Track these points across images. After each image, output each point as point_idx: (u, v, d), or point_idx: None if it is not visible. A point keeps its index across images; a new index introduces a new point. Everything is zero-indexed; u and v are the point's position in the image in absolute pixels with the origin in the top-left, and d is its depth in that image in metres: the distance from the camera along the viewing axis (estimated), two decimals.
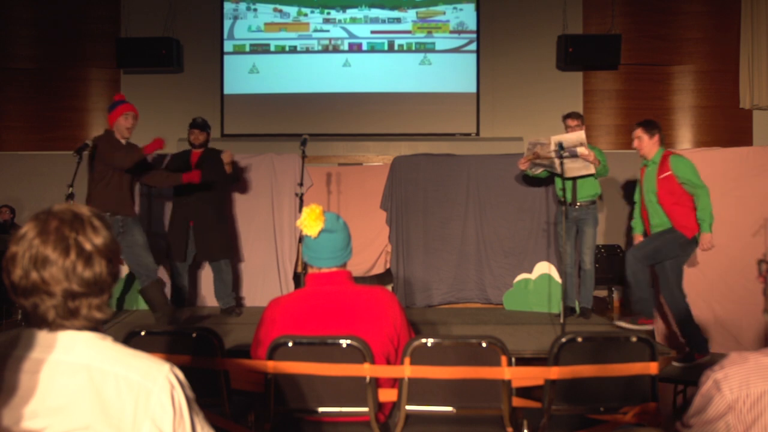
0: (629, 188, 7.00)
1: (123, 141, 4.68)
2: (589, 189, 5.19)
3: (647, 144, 4.52)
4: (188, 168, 5.19)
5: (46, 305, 1.18)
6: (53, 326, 1.20)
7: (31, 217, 1.23)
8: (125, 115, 4.64)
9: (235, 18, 7.69)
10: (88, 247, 1.19)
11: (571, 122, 5.27)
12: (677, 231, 4.38)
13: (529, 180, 5.60)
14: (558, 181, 5.22)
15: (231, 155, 5.14)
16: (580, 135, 5.01)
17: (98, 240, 1.21)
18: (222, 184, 5.35)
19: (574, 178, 5.12)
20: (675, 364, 4.37)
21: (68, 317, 1.19)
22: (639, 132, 4.55)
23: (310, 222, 2.32)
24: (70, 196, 4.35)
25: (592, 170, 5.05)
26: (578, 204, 5.18)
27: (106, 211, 4.46)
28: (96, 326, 1.24)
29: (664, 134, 4.61)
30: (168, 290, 5.67)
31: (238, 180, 5.59)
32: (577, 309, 5.30)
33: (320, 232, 2.33)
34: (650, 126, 4.55)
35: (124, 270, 5.72)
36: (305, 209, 2.35)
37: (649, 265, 4.48)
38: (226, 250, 5.31)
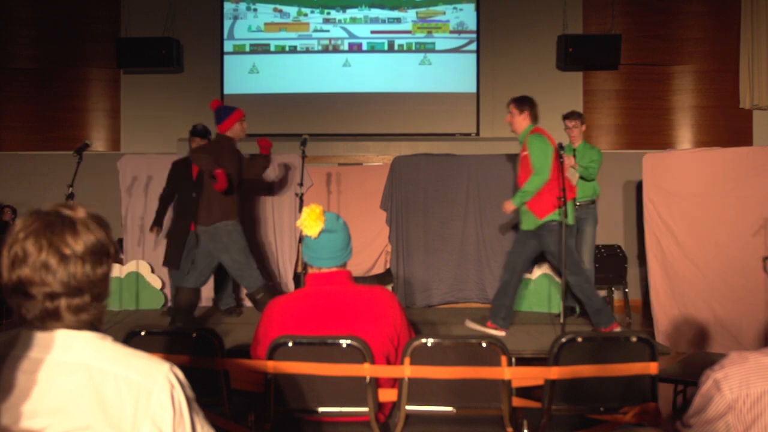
0: (629, 188, 7.00)
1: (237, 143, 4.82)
2: (588, 189, 5.20)
3: (517, 120, 4.51)
4: (190, 175, 5.20)
5: (27, 305, 1.18)
6: (35, 326, 1.20)
7: (20, 217, 1.23)
8: (241, 121, 4.80)
9: (235, 18, 7.69)
10: (63, 247, 1.18)
11: (569, 123, 5.28)
12: (539, 223, 4.36)
13: None
14: None
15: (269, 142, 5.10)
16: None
17: (78, 240, 1.20)
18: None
19: None
20: None
21: (48, 317, 1.19)
22: (510, 107, 4.54)
23: (310, 222, 2.32)
24: (70, 196, 4.35)
25: (576, 176, 5.04)
26: (578, 204, 5.18)
27: (230, 219, 4.56)
28: (94, 326, 1.24)
29: (537, 112, 4.55)
30: (167, 291, 5.69)
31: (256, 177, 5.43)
32: (577, 309, 5.30)
33: (320, 232, 2.33)
34: (520, 102, 4.52)
35: (125, 270, 5.74)
36: (305, 209, 2.35)
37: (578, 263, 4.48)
38: None
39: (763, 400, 1.33)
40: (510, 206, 4.43)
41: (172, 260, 5.23)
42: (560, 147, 4.68)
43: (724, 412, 1.36)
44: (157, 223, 5.33)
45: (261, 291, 4.61)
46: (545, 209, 4.34)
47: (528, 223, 4.46)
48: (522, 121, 4.48)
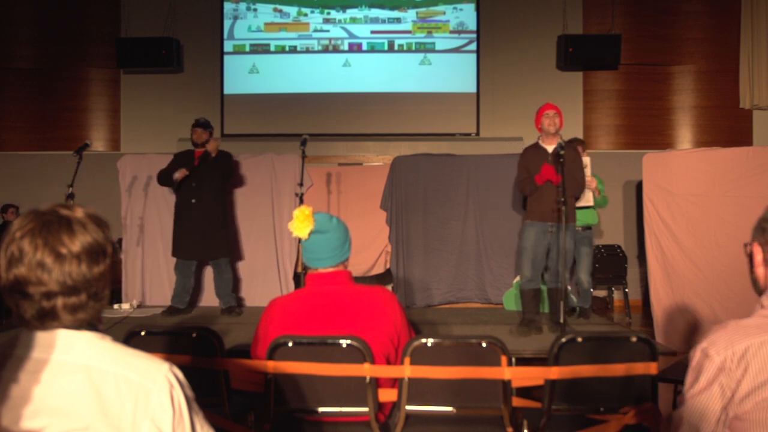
0: (629, 188, 7.01)
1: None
2: (586, 217, 5.13)
3: None
4: (192, 163, 5.19)
5: (24, 304, 1.18)
6: (33, 325, 1.20)
7: (19, 216, 1.23)
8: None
9: (235, 18, 7.69)
10: (59, 246, 1.18)
11: None
12: None
13: None
14: None
15: (217, 144, 5.19)
16: (585, 160, 4.95)
17: (74, 240, 1.20)
18: (224, 184, 5.34)
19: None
20: None
21: (45, 317, 1.19)
22: None
23: (298, 224, 2.32)
24: (70, 196, 4.35)
25: (591, 202, 4.99)
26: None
27: None
28: (93, 326, 1.24)
29: None
30: (167, 290, 5.68)
31: (232, 176, 5.53)
32: (577, 309, 5.29)
33: (310, 234, 2.33)
34: None
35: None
36: (295, 211, 2.35)
37: None
38: (226, 249, 5.30)
39: (749, 353, 1.42)
40: None
41: (183, 252, 5.21)
42: (560, 147, 4.67)
43: (715, 376, 1.42)
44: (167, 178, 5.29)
45: None
46: None
47: None
48: None
